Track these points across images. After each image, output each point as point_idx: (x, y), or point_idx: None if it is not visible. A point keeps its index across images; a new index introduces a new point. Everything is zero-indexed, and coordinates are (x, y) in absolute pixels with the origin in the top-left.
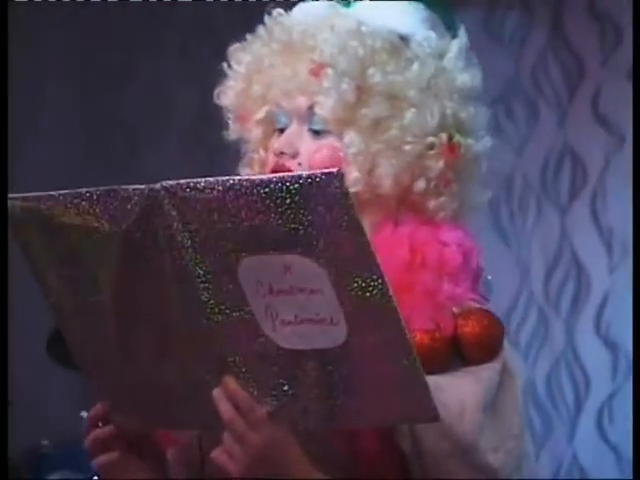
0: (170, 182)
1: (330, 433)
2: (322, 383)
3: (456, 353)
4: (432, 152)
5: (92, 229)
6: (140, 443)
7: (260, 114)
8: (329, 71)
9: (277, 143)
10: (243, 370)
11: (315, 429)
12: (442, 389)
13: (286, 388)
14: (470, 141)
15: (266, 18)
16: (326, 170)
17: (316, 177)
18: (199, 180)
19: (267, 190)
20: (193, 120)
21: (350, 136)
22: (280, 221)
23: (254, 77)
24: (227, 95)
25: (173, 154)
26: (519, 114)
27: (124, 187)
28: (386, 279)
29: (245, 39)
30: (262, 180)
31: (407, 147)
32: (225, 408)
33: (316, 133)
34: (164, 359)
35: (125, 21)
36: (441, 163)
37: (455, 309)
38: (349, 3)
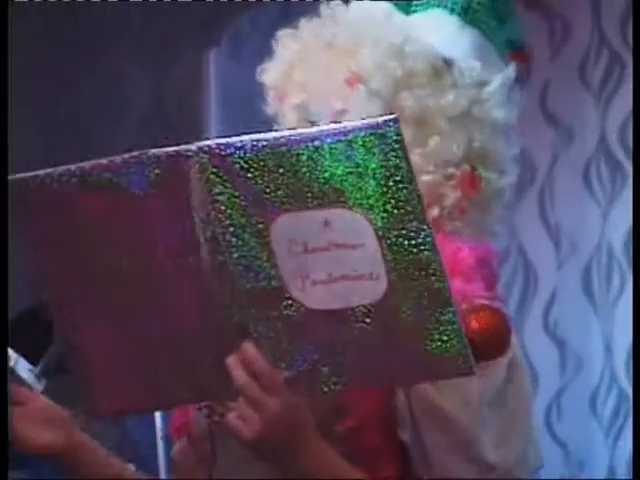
0: (205, 142)
1: (332, 422)
2: (351, 343)
3: None
4: (451, 183)
5: (114, 200)
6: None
7: (297, 99)
8: (361, 87)
9: None
10: (263, 336)
11: (337, 392)
12: (444, 385)
13: (308, 353)
14: (493, 175)
15: (322, 7)
16: (385, 117)
17: (374, 125)
18: (238, 138)
19: (317, 144)
20: (145, 119)
21: None
22: (327, 174)
23: (297, 63)
24: (269, 74)
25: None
26: None
27: (151, 151)
28: (432, 229)
29: (297, 25)
30: (308, 134)
31: (426, 177)
32: (238, 374)
33: None
34: (184, 329)
35: (78, 21)
36: (458, 194)
37: (464, 305)
38: (409, 10)
